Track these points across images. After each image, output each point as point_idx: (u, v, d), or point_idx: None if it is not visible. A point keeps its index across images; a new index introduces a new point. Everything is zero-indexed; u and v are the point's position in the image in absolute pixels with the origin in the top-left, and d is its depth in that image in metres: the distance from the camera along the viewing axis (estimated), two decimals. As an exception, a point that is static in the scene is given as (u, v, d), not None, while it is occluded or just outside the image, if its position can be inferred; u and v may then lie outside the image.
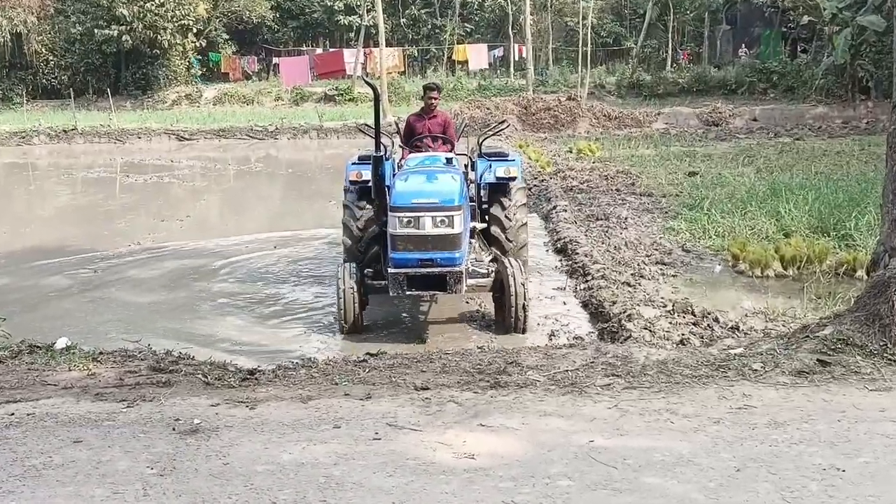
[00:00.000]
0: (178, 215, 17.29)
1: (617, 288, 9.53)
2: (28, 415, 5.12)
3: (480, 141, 10.94)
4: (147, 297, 10.71)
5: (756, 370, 5.51)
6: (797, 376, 5.39)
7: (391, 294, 8.81)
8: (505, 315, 9.11)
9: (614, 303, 8.77)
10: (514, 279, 8.76)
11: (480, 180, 10.43)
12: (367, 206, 9.81)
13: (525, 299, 8.78)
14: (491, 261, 9.92)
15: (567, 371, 5.64)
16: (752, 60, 38.44)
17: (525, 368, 5.74)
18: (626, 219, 13.74)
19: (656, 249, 11.72)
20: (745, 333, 7.17)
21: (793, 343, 5.90)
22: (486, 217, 10.40)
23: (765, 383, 5.32)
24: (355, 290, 8.76)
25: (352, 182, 10.06)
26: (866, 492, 3.95)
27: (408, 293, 8.77)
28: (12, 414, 5.14)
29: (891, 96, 23.65)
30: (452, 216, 8.58)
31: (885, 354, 5.55)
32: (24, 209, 19.04)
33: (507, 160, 10.59)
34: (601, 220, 13.74)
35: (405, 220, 8.64)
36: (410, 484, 4.10)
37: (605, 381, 5.37)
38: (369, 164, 9.24)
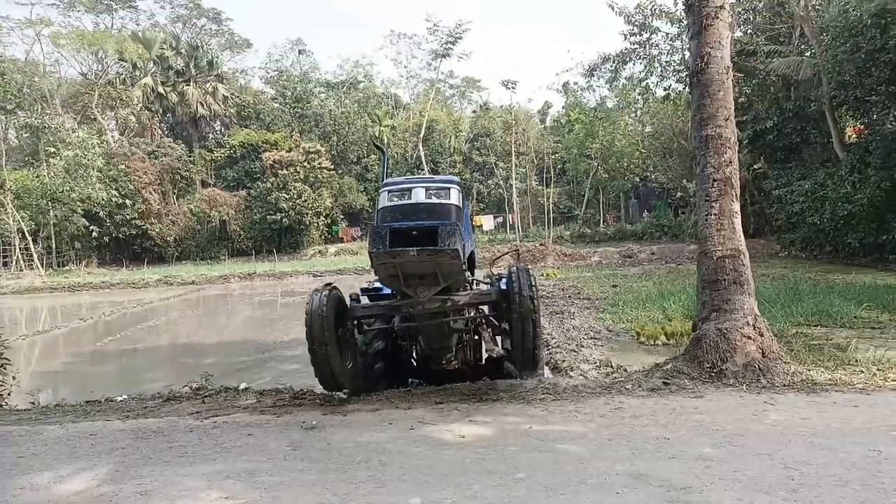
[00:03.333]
0: None
1: (566, 353, 9.42)
2: (224, 421, 5.41)
3: (491, 262, 9.91)
4: (292, 364, 10.79)
5: (628, 388, 5.58)
6: (650, 391, 5.48)
7: (372, 253, 4.82)
8: (512, 340, 5.46)
9: (563, 360, 8.66)
10: (521, 284, 5.30)
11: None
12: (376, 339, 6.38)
13: (534, 311, 5.25)
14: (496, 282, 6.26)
15: (521, 392, 5.73)
16: (651, 219, 38.39)
17: (498, 391, 5.83)
18: (573, 313, 13.62)
19: (591, 330, 11.58)
20: (626, 371, 7.09)
21: (650, 373, 5.95)
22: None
23: (632, 395, 5.43)
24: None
25: (363, 290, 6.59)
26: (680, 448, 4.17)
27: (391, 250, 4.73)
28: (214, 421, 5.46)
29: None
30: (449, 188, 5.01)
31: (701, 378, 5.61)
32: (224, 319, 19.31)
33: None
34: (558, 314, 13.64)
35: (395, 193, 5.01)
36: (429, 451, 4.36)
37: (542, 396, 5.49)
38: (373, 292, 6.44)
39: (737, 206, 6.19)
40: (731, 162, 6.18)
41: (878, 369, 5.93)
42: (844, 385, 5.42)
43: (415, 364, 7.11)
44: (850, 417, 4.62)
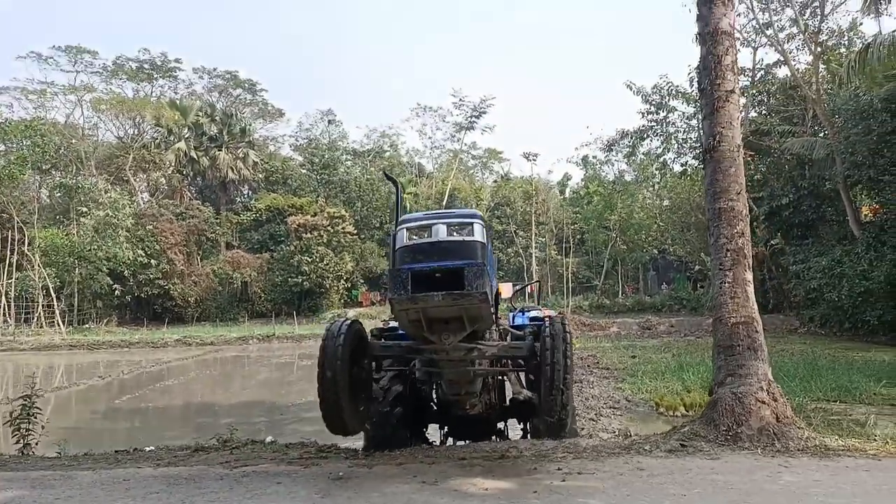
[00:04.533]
0: None
1: (585, 421, 9.47)
2: (252, 471, 5.57)
3: (515, 290, 9.10)
4: (308, 426, 10.50)
5: (646, 449, 5.71)
6: (668, 452, 5.59)
7: (391, 298, 4.49)
8: (541, 397, 4.94)
9: (582, 429, 8.56)
10: (554, 339, 4.83)
11: (513, 321, 6.73)
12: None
13: (566, 372, 4.74)
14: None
15: (542, 450, 5.83)
16: (670, 292, 38.37)
17: (520, 449, 5.91)
18: (592, 382, 13.72)
19: (610, 399, 11.65)
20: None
21: (668, 436, 6.08)
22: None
23: (650, 456, 5.55)
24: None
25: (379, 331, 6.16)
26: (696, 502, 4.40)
27: (412, 296, 4.35)
28: (244, 470, 5.61)
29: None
30: (472, 224, 4.58)
31: (717, 441, 5.73)
32: (241, 381, 19.39)
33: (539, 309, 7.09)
34: (577, 382, 13.37)
35: (414, 231, 4.59)
36: (453, 501, 4.53)
37: (562, 455, 5.61)
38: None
39: (749, 276, 6.46)
40: (743, 233, 6.50)
41: (892, 439, 6.02)
42: (857, 451, 5.53)
43: (435, 408, 6.70)
44: (862, 480, 4.74)
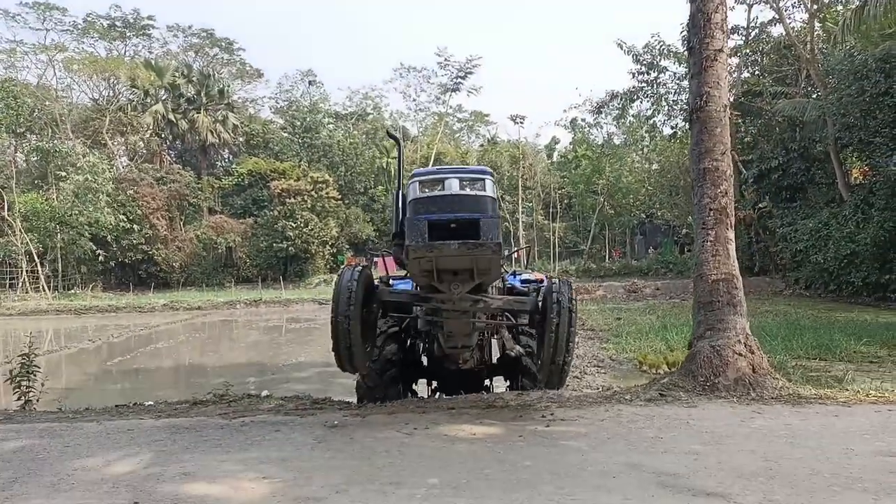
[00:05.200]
0: (319, 344, 17.67)
1: (570, 379, 9.29)
2: (251, 421, 5.87)
3: (506, 254, 9.30)
4: (301, 385, 11.00)
5: (627, 399, 6.07)
6: (647, 401, 5.95)
7: (408, 246, 4.71)
8: (543, 354, 5.30)
9: (567, 385, 8.50)
10: (562, 297, 5.09)
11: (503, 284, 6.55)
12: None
13: (570, 325, 5.05)
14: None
15: (527, 401, 6.18)
16: (657, 256, 38.46)
17: (506, 400, 6.26)
18: (577, 343, 14.04)
19: (595, 359, 11.99)
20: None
21: (648, 387, 6.42)
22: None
23: (630, 405, 5.90)
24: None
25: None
26: (672, 445, 4.68)
27: (429, 244, 4.59)
28: (242, 420, 5.92)
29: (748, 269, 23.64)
30: (483, 179, 4.79)
31: (695, 391, 6.08)
32: (231, 343, 19.77)
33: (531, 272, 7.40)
34: None
35: (427, 184, 4.80)
36: (443, 444, 4.88)
37: (546, 404, 5.96)
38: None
39: (731, 234, 6.78)
40: (726, 193, 6.79)
41: (864, 390, 6.44)
42: (828, 399, 5.94)
43: (426, 364, 7.05)
44: (830, 424, 5.14)
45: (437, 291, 5.19)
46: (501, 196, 47.51)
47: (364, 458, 4.66)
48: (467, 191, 4.72)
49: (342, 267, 5.50)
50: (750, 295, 23.26)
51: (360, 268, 5.36)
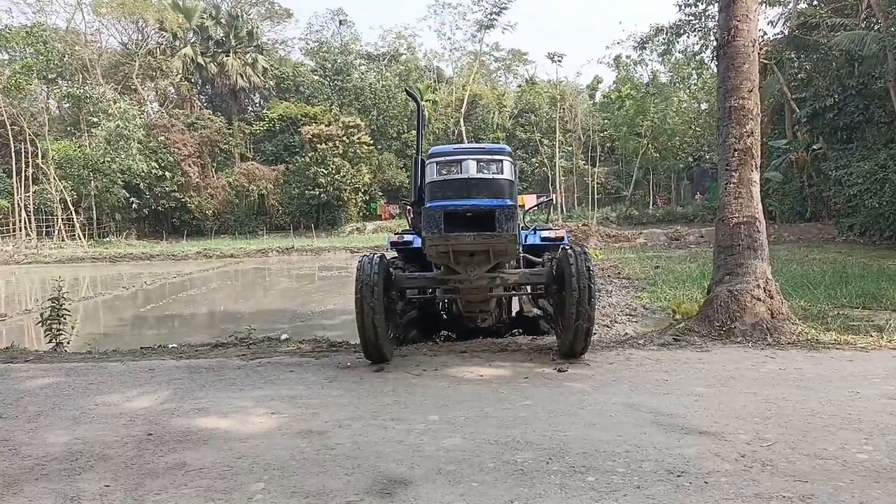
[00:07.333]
0: (350, 292, 17.95)
1: (599, 328, 9.48)
2: (268, 362, 6.22)
3: (527, 209, 9.18)
4: (330, 332, 11.22)
5: (640, 343, 6.23)
6: (660, 346, 6.09)
7: (424, 237, 5.08)
8: (564, 319, 5.41)
9: (596, 333, 9.05)
10: (579, 268, 5.20)
11: (525, 241, 6.51)
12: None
13: (590, 294, 5.21)
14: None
15: (539, 345, 6.38)
16: (704, 202, 37.65)
17: (519, 345, 6.47)
18: (611, 291, 14.06)
19: (627, 308, 11.92)
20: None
21: (663, 332, 6.56)
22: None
23: (642, 349, 6.06)
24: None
25: (392, 244, 6.79)
26: (675, 387, 4.81)
27: (445, 234, 4.87)
28: (259, 361, 6.27)
29: (789, 221, 23.46)
30: (501, 160, 4.90)
31: (710, 336, 6.19)
32: (262, 291, 20.31)
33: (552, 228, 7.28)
34: (595, 292, 13.94)
35: (443, 165, 4.94)
36: (449, 384, 5.10)
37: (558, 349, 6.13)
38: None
39: (756, 176, 6.72)
40: (752, 133, 6.71)
41: (887, 335, 6.43)
42: (847, 345, 5.98)
43: (445, 317, 7.33)
44: (842, 368, 5.21)
45: (454, 272, 5.48)
46: (540, 140, 47.00)
47: (371, 396, 4.93)
48: (484, 173, 4.85)
49: (360, 258, 5.68)
50: (800, 242, 23.11)
51: (377, 259, 5.56)
